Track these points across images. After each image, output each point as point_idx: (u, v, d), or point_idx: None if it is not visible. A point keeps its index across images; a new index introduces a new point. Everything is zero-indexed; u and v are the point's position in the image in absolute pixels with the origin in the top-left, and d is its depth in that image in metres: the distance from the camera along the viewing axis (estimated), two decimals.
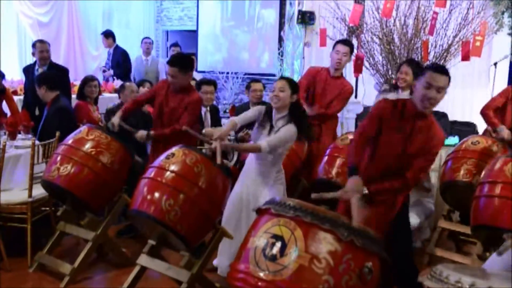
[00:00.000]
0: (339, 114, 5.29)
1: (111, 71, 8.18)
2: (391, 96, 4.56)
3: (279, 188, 3.67)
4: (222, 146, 3.46)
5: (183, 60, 4.33)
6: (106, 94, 7.45)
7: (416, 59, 5.75)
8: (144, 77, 7.81)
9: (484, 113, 4.70)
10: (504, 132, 4.47)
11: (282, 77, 3.72)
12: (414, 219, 4.15)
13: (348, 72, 6.75)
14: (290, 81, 3.66)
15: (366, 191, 2.89)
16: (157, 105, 4.40)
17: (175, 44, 8.23)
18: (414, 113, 2.95)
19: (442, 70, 2.96)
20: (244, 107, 5.65)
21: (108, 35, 8.28)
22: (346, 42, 4.97)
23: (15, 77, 7.62)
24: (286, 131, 3.53)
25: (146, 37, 8.71)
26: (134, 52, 8.86)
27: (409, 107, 2.97)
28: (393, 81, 5.24)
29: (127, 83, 5.70)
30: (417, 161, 2.92)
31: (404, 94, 4.54)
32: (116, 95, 6.87)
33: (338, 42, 4.95)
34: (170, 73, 4.24)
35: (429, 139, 2.93)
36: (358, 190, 2.89)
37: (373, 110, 3.13)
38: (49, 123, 4.75)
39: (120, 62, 8.14)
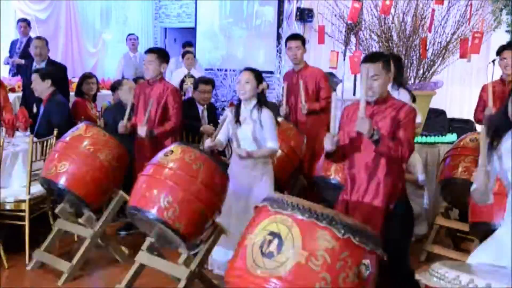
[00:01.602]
0: (337, 112, 5.28)
1: (22, 60, 7.09)
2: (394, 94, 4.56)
3: (269, 181, 3.75)
4: (248, 155, 3.63)
5: (161, 50, 4.63)
6: (104, 91, 7.43)
7: (414, 56, 5.74)
8: (134, 74, 7.80)
9: (477, 118, 4.80)
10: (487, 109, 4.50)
11: (246, 69, 3.81)
12: None
13: (347, 69, 6.75)
14: (254, 71, 3.77)
15: (377, 136, 2.90)
16: (140, 107, 4.48)
17: (189, 44, 8.07)
18: (368, 104, 3.02)
19: (368, 59, 3.07)
20: (238, 100, 5.64)
21: (25, 22, 7.55)
22: (295, 36, 5.11)
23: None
24: (267, 116, 3.68)
25: (130, 34, 8.62)
26: None
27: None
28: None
29: (125, 80, 5.69)
30: (398, 134, 2.97)
31: (406, 93, 4.53)
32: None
33: (287, 38, 5.08)
34: (147, 59, 4.42)
35: (393, 116, 3.00)
36: (368, 129, 2.88)
37: (340, 122, 3.27)
38: (48, 118, 4.74)
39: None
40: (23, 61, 6.89)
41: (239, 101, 3.79)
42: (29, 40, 7.08)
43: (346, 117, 3.21)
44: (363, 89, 2.96)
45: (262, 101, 3.75)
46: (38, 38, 5.90)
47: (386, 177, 3.04)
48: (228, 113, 3.84)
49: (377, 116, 3.05)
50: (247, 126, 3.70)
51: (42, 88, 4.84)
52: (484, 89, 4.70)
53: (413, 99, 4.41)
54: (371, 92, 3.00)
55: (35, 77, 4.86)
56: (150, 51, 4.49)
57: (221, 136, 3.82)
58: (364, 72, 3.02)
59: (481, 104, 4.72)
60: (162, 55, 4.46)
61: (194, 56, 8.19)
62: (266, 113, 3.68)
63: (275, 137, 3.71)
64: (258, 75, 3.76)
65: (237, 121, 3.73)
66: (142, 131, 4.29)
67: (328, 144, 2.99)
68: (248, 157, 3.66)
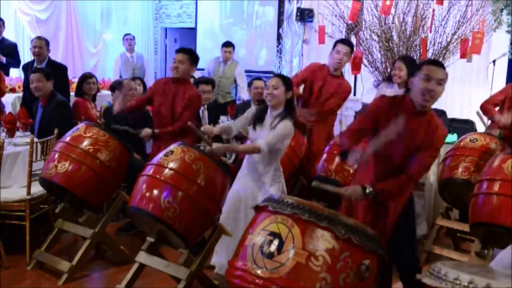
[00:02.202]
0: (338, 112, 5.29)
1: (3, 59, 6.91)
2: (389, 92, 4.56)
3: (278, 187, 3.65)
4: (221, 149, 3.51)
5: (193, 52, 4.52)
6: (104, 91, 7.43)
7: (414, 56, 5.75)
8: (131, 74, 7.78)
9: (483, 106, 4.71)
10: (502, 116, 4.47)
11: (275, 75, 3.74)
12: None
13: (347, 69, 6.75)
14: (283, 78, 3.66)
15: (371, 189, 2.86)
16: (156, 103, 4.41)
17: (227, 44, 7.56)
18: (413, 109, 2.91)
19: (439, 63, 2.97)
20: (245, 105, 5.65)
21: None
22: (347, 42, 4.95)
23: (13, 74, 7.60)
24: (283, 127, 3.52)
25: (127, 34, 8.55)
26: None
27: (407, 104, 2.93)
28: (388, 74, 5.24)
29: (125, 80, 5.69)
30: (421, 156, 2.89)
31: (402, 91, 4.54)
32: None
33: (338, 41, 4.92)
34: (178, 58, 4.35)
35: (430, 135, 2.90)
36: (360, 194, 2.86)
37: (369, 107, 3.11)
38: (50, 118, 4.73)
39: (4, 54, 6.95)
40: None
41: (266, 106, 3.65)
42: (3, 40, 7.05)
43: (378, 109, 3.00)
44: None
45: (289, 110, 3.60)
46: (38, 38, 5.88)
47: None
48: (253, 111, 3.72)
49: (418, 129, 2.90)
50: (265, 132, 3.57)
51: (47, 88, 4.83)
52: (505, 91, 4.67)
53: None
54: (429, 97, 2.84)
55: (39, 76, 4.80)
56: (181, 51, 4.41)
57: (235, 123, 3.74)
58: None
59: (496, 99, 4.68)
60: (194, 57, 4.40)
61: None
62: (286, 123, 3.51)
63: (272, 143, 3.50)
64: (288, 82, 3.63)
65: (255, 123, 3.63)
66: (146, 134, 4.31)
67: (356, 156, 2.83)
68: (219, 152, 3.56)
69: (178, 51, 4.45)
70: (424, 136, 2.89)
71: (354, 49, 5.79)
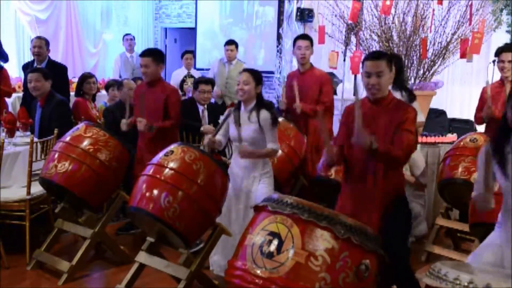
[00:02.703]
0: (336, 112, 5.29)
1: None
2: None
3: (268, 182, 3.71)
4: (247, 152, 3.61)
5: (155, 51, 4.56)
6: (104, 91, 7.41)
7: (414, 56, 5.75)
8: (131, 74, 7.78)
9: (475, 119, 4.81)
10: (485, 112, 4.50)
11: (245, 70, 3.80)
12: None
13: (347, 69, 6.75)
14: (253, 73, 3.74)
15: (376, 145, 2.86)
16: (138, 109, 4.46)
17: (229, 42, 7.37)
18: (370, 101, 3.04)
19: (374, 56, 3.08)
20: (239, 102, 5.65)
21: None
22: (305, 36, 5.08)
23: (13, 74, 7.60)
24: (267, 118, 3.63)
25: (127, 34, 8.54)
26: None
27: (364, 100, 3.07)
28: None
29: (125, 81, 5.69)
30: (400, 136, 2.94)
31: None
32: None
33: (297, 38, 5.05)
34: (143, 63, 4.39)
35: (395, 115, 2.97)
36: (367, 144, 2.86)
37: (341, 119, 3.23)
38: (50, 118, 4.72)
39: None
40: None
41: (240, 102, 3.78)
42: None
43: (347, 115, 3.14)
44: (357, 103, 2.90)
45: (260, 102, 3.73)
46: (38, 38, 5.88)
47: (386, 181, 3.02)
48: (229, 112, 3.82)
49: (378, 116, 3.02)
50: (246, 127, 3.68)
51: (45, 87, 4.83)
52: (484, 90, 4.71)
53: (414, 98, 4.39)
54: (374, 90, 2.98)
55: (37, 76, 4.79)
56: (144, 54, 4.43)
57: (220, 136, 3.82)
58: (364, 77, 3.01)
59: (481, 105, 4.72)
60: (157, 56, 4.42)
61: (194, 57, 8.13)
62: (265, 114, 3.66)
63: (275, 138, 3.68)
64: (257, 76, 3.74)
65: (237, 122, 3.72)
66: (141, 124, 4.28)
67: (328, 156, 2.98)
68: (247, 155, 3.64)
69: (140, 55, 4.49)
70: (391, 119, 2.97)
71: (350, 47, 5.83)
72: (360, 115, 2.85)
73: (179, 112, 4.45)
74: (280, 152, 4.37)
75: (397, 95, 4.31)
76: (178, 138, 4.68)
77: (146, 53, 4.45)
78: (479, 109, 4.73)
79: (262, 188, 3.62)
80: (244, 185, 3.68)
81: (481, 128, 5.36)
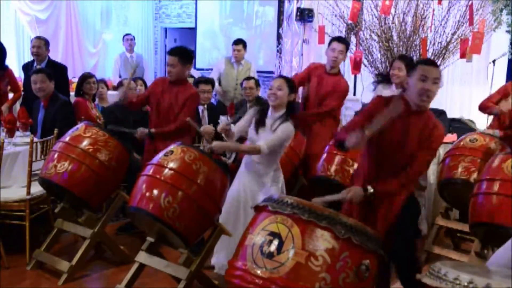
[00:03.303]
0: (346, 112, 5.28)
1: None
2: (386, 93, 4.55)
3: (277, 187, 3.66)
4: (221, 147, 3.51)
5: (184, 51, 4.39)
6: (112, 91, 7.39)
7: (414, 56, 5.74)
8: (131, 74, 7.75)
9: (482, 104, 4.75)
10: (501, 105, 4.48)
11: (280, 76, 3.73)
12: None
13: (347, 69, 6.75)
14: (287, 80, 3.66)
15: (372, 190, 2.85)
16: (153, 102, 4.41)
17: (237, 42, 7.04)
18: (409, 109, 2.92)
19: (433, 63, 3.00)
20: (242, 103, 5.66)
21: None
22: (342, 40, 4.96)
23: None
24: (284, 130, 3.52)
25: (127, 34, 8.51)
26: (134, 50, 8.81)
27: (404, 103, 2.93)
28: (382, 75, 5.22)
29: (125, 80, 5.69)
30: (419, 155, 2.89)
31: (399, 91, 4.52)
32: (114, 92, 6.87)
33: (333, 39, 4.93)
34: (169, 62, 4.30)
35: (427, 134, 2.90)
36: (361, 196, 2.86)
37: (367, 107, 3.11)
38: (54, 118, 4.71)
39: None
40: None
41: (267, 107, 3.65)
42: None
43: (375, 108, 2.97)
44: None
45: (291, 112, 3.60)
46: (37, 38, 5.86)
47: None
48: (255, 112, 3.71)
49: (415, 125, 2.91)
50: (265, 133, 3.57)
51: (50, 88, 4.83)
52: (507, 86, 4.67)
53: None
54: (426, 97, 2.85)
55: (42, 77, 4.78)
56: (171, 53, 4.32)
57: (237, 125, 3.72)
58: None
59: (496, 97, 4.68)
60: (185, 56, 4.31)
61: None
62: (287, 125, 3.52)
63: (272, 143, 3.51)
64: (291, 84, 3.64)
65: (258, 124, 3.61)
66: (139, 133, 4.29)
67: (353, 139, 2.77)
68: (220, 150, 3.56)
69: (169, 53, 4.37)
70: (420, 135, 2.90)
71: (350, 47, 5.81)
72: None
73: (187, 117, 4.32)
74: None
75: (385, 92, 4.34)
76: (193, 138, 4.60)
77: (174, 51, 4.33)
78: (493, 99, 4.68)
79: (270, 193, 3.54)
80: (253, 187, 3.63)
81: (481, 128, 5.36)
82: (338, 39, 4.95)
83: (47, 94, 4.81)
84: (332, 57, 4.82)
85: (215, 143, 3.53)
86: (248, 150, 3.62)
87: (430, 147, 2.92)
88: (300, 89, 5.04)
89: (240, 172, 3.73)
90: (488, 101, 4.73)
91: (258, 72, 8.60)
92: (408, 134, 2.90)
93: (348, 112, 6.99)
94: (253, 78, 5.70)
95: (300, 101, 5.08)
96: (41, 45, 5.67)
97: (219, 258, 3.70)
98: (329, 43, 4.91)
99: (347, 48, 4.91)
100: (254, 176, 3.65)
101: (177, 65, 4.26)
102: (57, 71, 5.36)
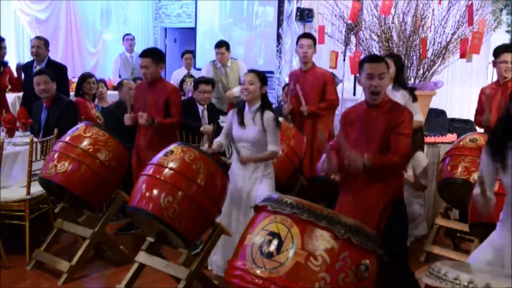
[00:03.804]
0: (336, 111, 5.29)
1: None
2: None
3: (269, 183, 3.71)
4: (248, 160, 3.62)
5: (155, 51, 4.53)
6: (111, 91, 7.39)
7: (414, 56, 5.74)
8: (131, 74, 7.76)
9: (476, 122, 4.76)
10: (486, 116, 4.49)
11: (250, 70, 3.81)
12: None
13: (347, 69, 6.75)
14: (258, 73, 3.76)
15: (368, 162, 2.90)
16: (139, 107, 4.44)
17: (218, 45, 6.71)
18: (367, 106, 3.08)
19: (376, 58, 3.15)
20: (241, 102, 5.66)
21: None
22: (308, 35, 5.08)
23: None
24: (270, 120, 3.64)
25: (127, 34, 8.51)
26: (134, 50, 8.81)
27: (364, 103, 3.11)
28: None
29: (125, 81, 5.69)
30: (396, 140, 2.97)
31: (388, 88, 4.52)
32: (114, 92, 6.87)
33: (300, 36, 5.06)
34: (143, 64, 4.38)
35: (393, 118, 3.00)
36: (360, 164, 2.90)
37: (340, 125, 3.26)
38: (58, 119, 4.71)
39: None
40: None
41: (243, 103, 3.78)
42: None
43: (345, 120, 3.19)
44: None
45: (265, 103, 3.74)
46: (36, 38, 5.85)
47: (383, 182, 3.03)
48: (231, 115, 3.82)
49: (375, 119, 3.05)
50: (250, 128, 3.69)
51: (53, 89, 4.83)
52: (482, 92, 4.68)
53: (414, 98, 4.39)
54: (377, 93, 3.00)
55: (46, 78, 4.78)
56: (143, 55, 4.40)
57: (222, 137, 3.83)
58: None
59: (480, 108, 4.70)
60: (157, 56, 4.40)
61: (194, 57, 8.10)
62: (269, 115, 3.67)
63: (277, 140, 3.69)
64: (263, 77, 3.74)
65: (241, 123, 3.71)
66: (143, 118, 4.27)
67: (329, 165, 3.03)
68: (248, 161, 3.65)
69: (140, 55, 4.45)
70: (387, 122, 3.00)
71: (350, 47, 5.84)
72: (346, 144, 2.91)
73: (181, 111, 4.44)
74: (279, 152, 4.37)
75: (398, 94, 4.32)
76: (178, 137, 4.67)
77: (145, 53, 4.42)
78: (479, 112, 4.71)
79: (263, 188, 3.63)
80: (245, 186, 3.68)
81: (481, 128, 5.36)
82: (303, 35, 5.10)
83: (50, 95, 4.81)
84: (302, 53, 4.92)
85: (243, 156, 3.62)
86: (268, 157, 3.72)
87: (402, 127, 3.00)
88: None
89: (232, 173, 3.74)
90: (477, 116, 4.72)
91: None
92: (373, 126, 3.02)
93: None
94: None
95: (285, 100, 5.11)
96: (40, 45, 5.66)
97: (215, 259, 3.70)
98: (296, 42, 5.04)
99: (314, 42, 4.98)
100: (246, 173, 3.69)
101: (151, 66, 4.35)
102: (57, 71, 5.35)
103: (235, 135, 3.76)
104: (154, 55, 4.39)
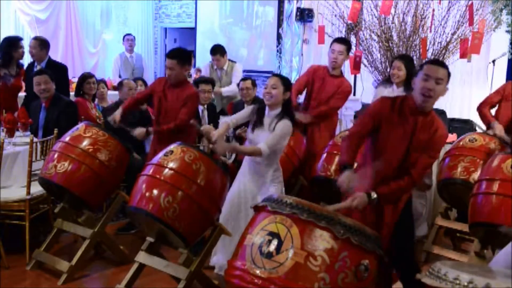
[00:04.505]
0: (338, 112, 5.29)
1: None
2: (387, 92, 4.55)
3: (277, 188, 3.65)
4: (224, 148, 3.51)
5: (181, 53, 4.42)
6: (112, 91, 7.38)
7: (414, 56, 5.75)
8: (131, 74, 7.76)
9: (479, 110, 4.70)
10: (496, 127, 4.47)
11: (274, 74, 3.74)
12: None
13: (346, 69, 6.75)
14: (282, 78, 3.67)
15: (375, 196, 2.85)
16: (155, 102, 4.41)
17: (213, 51, 6.83)
18: (414, 109, 2.93)
19: (439, 63, 2.99)
20: (240, 103, 5.66)
21: None
22: (342, 41, 4.96)
23: None
24: (282, 127, 3.53)
25: (127, 34, 8.47)
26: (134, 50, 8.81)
27: (409, 104, 2.95)
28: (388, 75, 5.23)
29: (125, 81, 5.70)
30: (421, 157, 2.90)
31: (400, 90, 4.53)
32: (115, 92, 6.87)
33: (334, 40, 4.95)
34: (168, 65, 4.32)
35: (431, 135, 2.91)
36: (365, 202, 2.85)
37: (370, 108, 3.11)
38: (58, 119, 4.71)
39: None
40: None
41: (263, 104, 3.67)
42: None
43: (380, 110, 3.01)
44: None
45: (287, 110, 3.61)
46: (33, 38, 5.83)
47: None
48: (255, 109, 3.71)
49: (417, 130, 2.92)
50: (264, 133, 3.58)
51: (53, 89, 4.83)
52: (504, 88, 4.66)
53: None
54: (428, 95, 2.86)
55: (46, 78, 4.77)
56: (170, 56, 4.34)
57: (235, 119, 3.73)
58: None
59: (492, 100, 4.68)
60: (183, 59, 4.33)
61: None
62: (284, 122, 3.53)
63: (273, 144, 3.52)
64: (287, 82, 3.64)
65: (256, 124, 3.62)
66: (140, 134, 4.27)
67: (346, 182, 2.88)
68: (228, 150, 3.57)
69: (167, 56, 4.41)
70: (424, 136, 2.90)
71: (352, 47, 5.82)
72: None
73: (188, 117, 4.30)
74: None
75: (386, 91, 4.34)
76: (195, 137, 4.60)
77: (172, 55, 4.36)
78: (493, 99, 4.66)
79: (270, 193, 3.55)
80: (253, 188, 3.63)
81: (481, 128, 5.36)
82: (337, 40, 4.96)
83: (49, 95, 4.82)
84: (332, 58, 4.83)
85: (217, 144, 3.51)
86: (250, 152, 3.60)
87: (433, 149, 2.93)
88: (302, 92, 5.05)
89: (240, 173, 3.73)
90: (486, 104, 4.69)
91: (258, 72, 8.62)
92: (414, 134, 2.91)
93: (348, 112, 6.99)
94: (249, 78, 5.69)
95: (301, 101, 5.10)
96: (35, 45, 5.62)
97: (219, 259, 3.71)
98: (330, 45, 4.91)
99: (348, 48, 4.89)
100: (254, 176, 3.65)
101: (176, 68, 4.28)
102: (57, 71, 5.35)
103: (248, 137, 3.70)
104: (180, 57, 4.31)
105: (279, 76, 3.71)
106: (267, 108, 3.64)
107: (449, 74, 2.94)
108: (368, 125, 3.00)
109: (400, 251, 3.01)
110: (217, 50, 6.61)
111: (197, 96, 4.53)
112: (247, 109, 3.76)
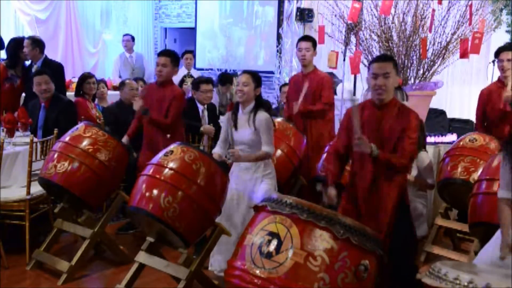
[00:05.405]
0: (336, 112, 5.29)
1: None
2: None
3: (270, 182, 3.70)
4: (238, 159, 3.59)
5: (174, 54, 4.55)
6: (112, 91, 7.38)
7: (414, 56, 5.75)
8: (131, 74, 7.77)
9: (477, 130, 4.75)
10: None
11: (245, 71, 3.79)
12: None
13: (346, 70, 6.75)
14: (253, 74, 3.74)
15: (377, 152, 2.95)
16: (146, 105, 4.42)
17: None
18: (376, 105, 3.11)
19: (382, 58, 3.22)
20: (238, 105, 5.66)
21: None
22: (307, 38, 5.09)
23: None
24: (264, 121, 3.62)
25: (126, 34, 8.52)
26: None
27: (370, 102, 3.14)
28: None
29: (127, 81, 5.69)
30: (403, 143, 3.02)
31: None
32: (115, 92, 6.87)
33: (299, 39, 5.07)
34: (161, 62, 4.39)
35: (400, 121, 3.04)
36: (369, 148, 2.95)
37: (342, 122, 3.29)
38: (58, 119, 4.71)
39: None
40: None
41: (237, 104, 3.77)
42: None
43: (348, 120, 3.19)
44: (355, 110, 2.98)
45: (259, 103, 3.72)
46: (27, 38, 5.82)
47: (390, 187, 3.05)
48: (228, 116, 3.81)
49: (382, 120, 3.07)
50: (245, 130, 3.67)
51: (53, 89, 4.83)
52: (482, 93, 4.70)
53: (406, 98, 4.43)
54: (381, 90, 3.04)
55: (47, 78, 4.77)
56: (163, 53, 4.46)
57: (219, 147, 3.81)
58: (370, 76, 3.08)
59: (480, 114, 4.73)
60: (175, 59, 4.47)
61: (194, 57, 8.10)
62: (262, 116, 3.64)
63: (270, 141, 3.65)
64: (257, 78, 3.73)
65: (235, 125, 3.70)
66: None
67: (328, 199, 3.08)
68: (239, 160, 3.62)
69: (160, 54, 4.49)
70: (393, 124, 3.04)
71: (350, 47, 5.85)
72: (358, 122, 2.91)
73: (176, 116, 4.40)
74: (279, 152, 4.37)
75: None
76: (184, 138, 4.65)
77: (166, 53, 4.48)
78: (480, 115, 4.72)
79: (262, 189, 3.61)
80: (246, 186, 3.66)
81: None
82: (302, 38, 5.11)
83: (50, 95, 4.82)
84: (301, 56, 4.94)
85: (235, 155, 3.57)
86: (255, 158, 3.67)
87: (409, 129, 3.04)
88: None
89: (232, 173, 3.73)
90: (479, 122, 4.77)
91: (258, 72, 8.59)
92: (379, 127, 3.06)
93: None
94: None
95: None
96: (27, 45, 5.60)
97: (215, 259, 3.70)
98: (296, 45, 5.04)
99: (313, 44, 4.97)
100: (245, 173, 3.69)
101: (169, 65, 4.38)
102: (53, 70, 5.34)
103: (233, 138, 3.74)
104: (174, 56, 4.46)
105: (250, 72, 3.77)
106: (240, 106, 3.73)
107: (395, 63, 3.11)
108: (343, 139, 3.19)
109: (396, 252, 3.02)
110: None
111: (183, 97, 4.60)
112: (223, 126, 3.87)
